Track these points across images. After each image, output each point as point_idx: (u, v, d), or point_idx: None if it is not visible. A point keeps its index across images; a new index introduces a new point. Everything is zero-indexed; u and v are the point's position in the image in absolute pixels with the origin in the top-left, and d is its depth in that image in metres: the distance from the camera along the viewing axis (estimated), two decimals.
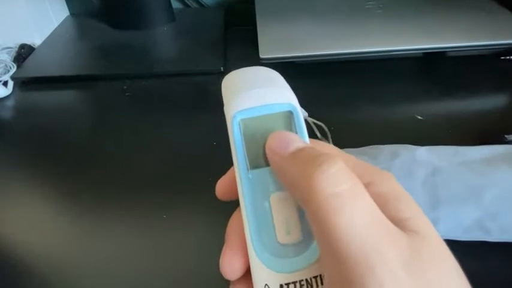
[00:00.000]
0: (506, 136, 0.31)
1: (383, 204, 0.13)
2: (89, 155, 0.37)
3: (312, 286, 0.14)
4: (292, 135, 0.15)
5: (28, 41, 0.53)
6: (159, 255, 0.28)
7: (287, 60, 0.43)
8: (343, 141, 0.34)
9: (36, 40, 0.54)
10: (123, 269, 0.27)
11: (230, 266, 0.15)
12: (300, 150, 0.14)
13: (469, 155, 0.26)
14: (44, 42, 0.54)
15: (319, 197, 0.12)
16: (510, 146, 0.27)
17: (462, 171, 0.25)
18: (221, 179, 0.17)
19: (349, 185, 0.12)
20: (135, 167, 0.35)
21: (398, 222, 0.13)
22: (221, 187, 0.17)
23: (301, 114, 0.16)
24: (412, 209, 0.14)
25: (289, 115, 0.16)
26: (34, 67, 0.50)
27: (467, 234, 0.24)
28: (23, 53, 0.51)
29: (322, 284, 0.14)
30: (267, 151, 0.15)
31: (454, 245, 0.24)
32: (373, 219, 0.12)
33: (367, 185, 0.14)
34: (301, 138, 0.16)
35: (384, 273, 0.11)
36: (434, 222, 0.24)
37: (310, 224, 0.13)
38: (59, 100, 0.46)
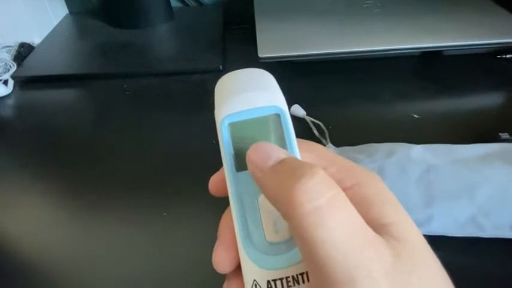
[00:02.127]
0: (500, 134, 0.31)
1: (368, 207, 0.14)
2: (89, 153, 0.37)
3: (298, 282, 0.15)
4: (273, 147, 0.15)
5: (27, 40, 0.53)
6: (159, 252, 0.28)
7: (286, 60, 0.44)
8: (341, 139, 0.34)
9: (35, 39, 0.54)
10: (123, 265, 0.27)
11: (222, 261, 0.16)
12: (280, 163, 0.14)
13: (464, 152, 0.27)
14: (44, 41, 0.54)
15: (299, 212, 0.12)
16: (504, 144, 0.27)
17: (457, 168, 0.25)
18: (213, 176, 0.18)
19: (328, 196, 0.12)
20: (135, 165, 0.36)
21: (381, 227, 0.13)
22: (213, 184, 0.18)
23: (288, 116, 0.17)
24: (396, 213, 0.14)
25: (277, 118, 0.16)
26: (34, 66, 0.50)
27: (461, 230, 0.24)
28: (23, 52, 0.51)
29: (308, 280, 0.15)
30: (248, 164, 0.15)
31: (448, 241, 0.25)
32: (353, 229, 0.12)
33: (353, 187, 0.15)
34: (289, 141, 0.16)
35: (366, 284, 0.11)
36: (429, 219, 0.24)
37: (293, 237, 0.13)
38: (59, 99, 0.46)
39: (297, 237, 0.13)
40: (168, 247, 0.28)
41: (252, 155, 0.15)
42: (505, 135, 0.31)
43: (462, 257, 0.24)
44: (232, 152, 0.16)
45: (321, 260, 0.12)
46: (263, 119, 0.16)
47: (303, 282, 0.15)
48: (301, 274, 0.15)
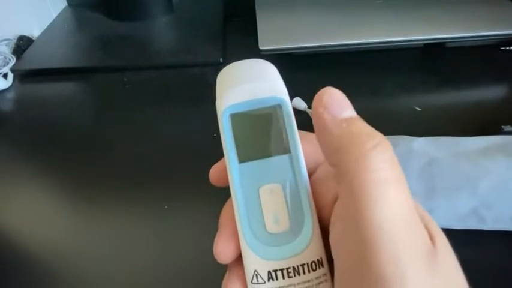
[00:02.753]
0: (503, 127, 0.31)
1: None
2: (89, 146, 0.37)
3: (299, 273, 0.15)
4: (347, 101, 0.14)
5: (26, 33, 0.53)
6: (160, 244, 0.28)
7: (287, 52, 0.43)
8: None
9: (34, 32, 0.54)
10: (125, 258, 0.27)
11: (223, 251, 0.16)
12: (355, 119, 0.14)
13: (466, 145, 0.26)
14: (43, 34, 0.54)
15: (368, 177, 0.12)
16: (507, 137, 0.27)
17: (459, 161, 0.25)
18: (214, 166, 0.18)
19: (395, 172, 0.12)
20: (136, 158, 0.35)
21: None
22: (214, 174, 0.18)
23: (290, 107, 0.16)
24: (421, 208, 0.14)
25: (279, 108, 0.16)
26: (33, 59, 0.49)
27: (462, 223, 0.24)
28: (22, 45, 0.51)
29: (309, 271, 0.15)
30: (317, 104, 0.14)
31: (450, 234, 0.24)
32: (409, 211, 0.12)
33: None
34: (290, 133, 0.16)
35: (408, 265, 0.11)
36: (430, 211, 0.24)
37: (342, 198, 0.13)
38: (59, 92, 0.46)
39: (351, 198, 0.12)
40: (170, 239, 0.28)
41: (326, 97, 0.14)
42: (507, 128, 0.31)
43: (463, 250, 0.24)
44: (234, 143, 0.16)
45: (371, 229, 0.12)
46: (265, 110, 0.16)
47: (304, 273, 0.15)
48: (302, 265, 0.15)
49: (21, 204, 0.33)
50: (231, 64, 0.18)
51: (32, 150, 0.38)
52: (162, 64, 0.47)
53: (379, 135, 0.13)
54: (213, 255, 0.23)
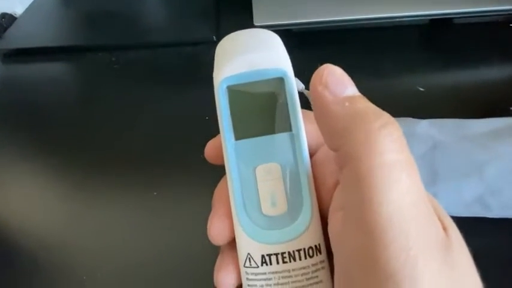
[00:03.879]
0: (511, 108, 0.30)
1: None
2: (76, 129, 0.36)
3: (294, 259, 0.14)
4: (349, 79, 0.13)
5: (9, 10, 0.50)
6: (150, 231, 0.27)
7: (283, 28, 0.41)
8: None
9: (17, 9, 0.51)
10: (114, 245, 0.27)
11: (217, 232, 0.15)
12: (359, 98, 0.13)
13: (473, 128, 0.25)
14: (26, 11, 0.51)
15: (374, 159, 0.11)
16: None
17: (465, 145, 0.23)
18: (210, 141, 0.17)
19: (406, 156, 0.11)
20: (125, 142, 0.34)
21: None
22: (210, 150, 0.17)
23: (293, 80, 0.15)
24: (431, 197, 0.13)
25: (280, 82, 0.15)
26: (17, 38, 0.47)
27: (467, 210, 0.23)
28: (4, 23, 0.48)
29: (306, 257, 0.14)
30: (315, 82, 0.13)
31: (454, 221, 0.23)
32: (420, 200, 0.11)
33: None
34: (292, 109, 0.15)
35: (420, 258, 0.10)
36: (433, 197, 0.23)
37: (345, 183, 0.12)
38: (44, 72, 0.44)
39: (357, 184, 0.11)
40: (159, 226, 0.28)
41: (329, 78, 0.13)
42: None
43: (468, 239, 0.23)
44: (230, 118, 0.15)
45: (378, 220, 0.11)
46: (265, 83, 0.15)
47: (300, 259, 0.14)
48: (298, 251, 0.14)
49: (5, 190, 0.32)
50: (232, 34, 0.17)
51: (16, 134, 0.36)
52: (153, 43, 0.45)
53: (386, 115, 0.12)
54: (203, 241, 0.22)
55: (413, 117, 0.28)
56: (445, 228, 0.11)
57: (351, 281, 0.12)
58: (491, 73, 0.38)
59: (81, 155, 0.33)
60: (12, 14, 0.50)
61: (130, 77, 0.42)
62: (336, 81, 0.13)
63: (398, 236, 0.10)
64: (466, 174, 0.23)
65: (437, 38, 0.43)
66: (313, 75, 0.13)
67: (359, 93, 0.13)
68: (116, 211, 0.29)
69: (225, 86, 0.15)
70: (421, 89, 0.36)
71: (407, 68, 0.39)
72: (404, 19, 0.42)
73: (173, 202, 0.29)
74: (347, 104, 0.12)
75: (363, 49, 0.42)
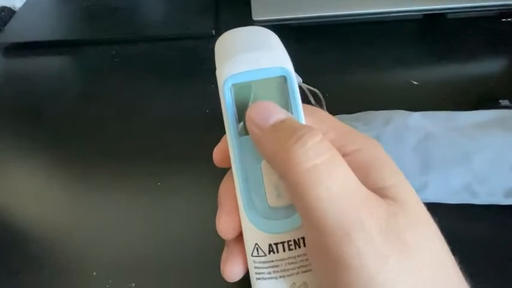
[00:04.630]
0: (500, 101, 0.31)
1: (367, 171, 0.14)
2: (78, 122, 0.36)
3: (299, 246, 0.15)
4: (274, 107, 0.14)
5: (8, 3, 0.50)
6: (153, 221, 0.28)
7: (281, 23, 0.42)
8: (338, 107, 0.33)
9: (16, 2, 0.51)
10: (118, 235, 0.27)
11: (226, 227, 0.16)
12: (281, 123, 0.14)
13: (462, 119, 0.26)
14: (25, 4, 0.51)
15: (297, 170, 0.12)
16: (504, 111, 0.27)
17: (454, 135, 0.25)
18: (217, 146, 0.18)
19: (327, 156, 0.13)
20: (126, 134, 0.35)
21: (380, 190, 0.13)
22: (217, 154, 0.17)
23: (295, 79, 0.16)
24: (395, 176, 0.14)
25: (283, 80, 0.15)
26: (16, 32, 0.47)
27: (455, 197, 0.24)
28: (4, 17, 0.48)
29: None
30: (247, 122, 0.15)
31: (442, 208, 0.25)
32: (350, 188, 0.12)
33: (353, 152, 0.15)
34: (294, 106, 0.16)
35: (360, 239, 0.12)
36: (424, 186, 0.24)
37: (290, 196, 0.14)
38: (44, 66, 0.44)
39: (294, 195, 0.13)
40: (163, 216, 0.28)
41: (252, 113, 0.14)
42: (505, 102, 0.31)
43: (455, 224, 0.25)
44: (236, 114, 0.16)
45: (317, 216, 0.12)
46: (269, 81, 0.15)
47: (304, 245, 0.15)
48: (303, 238, 0.15)
49: (8, 182, 0.32)
50: (230, 31, 0.17)
51: (17, 127, 0.37)
52: (152, 37, 0.45)
53: (303, 128, 0.13)
54: (206, 231, 0.23)
55: (407, 109, 0.29)
56: (389, 198, 0.13)
57: (317, 267, 0.14)
58: (483, 67, 0.39)
59: (83, 147, 0.34)
60: (11, 7, 0.50)
61: (130, 71, 0.42)
62: (260, 114, 0.14)
63: (334, 222, 0.12)
64: (455, 163, 0.24)
65: (431, 33, 0.44)
66: (247, 115, 0.15)
67: (283, 117, 0.14)
68: (119, 202, 0.29)
69: (230, 84, 0.15)
70: (415, 83, 0.37)
71: (401, 62, 0.40)
72: (399, 14, 0.42)
73: (176, 191, 0.30)
74: (271, 131, 0.14)
75: (358, 43, 0.43)
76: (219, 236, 0.17)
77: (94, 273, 0.25)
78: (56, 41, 0.46)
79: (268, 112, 0.14)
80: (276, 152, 0.13)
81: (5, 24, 0.48)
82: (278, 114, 0.14)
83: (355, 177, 0.13)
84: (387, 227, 0.12)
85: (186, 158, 0.32)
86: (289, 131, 0.13)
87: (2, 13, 0.49)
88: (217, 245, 0.17)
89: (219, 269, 0.17)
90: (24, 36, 0.46)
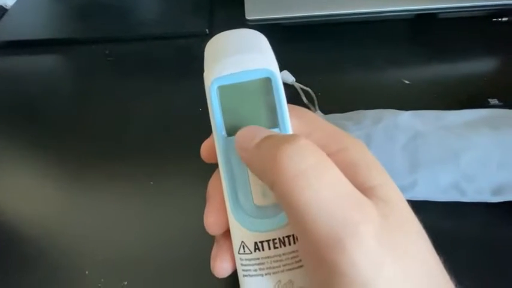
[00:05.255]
0: (489, 100, 0.31)
1: (354, 171, 0.14)
2: (70, 122, 0.36)
3: (284, 244, 0.15)
4: (258, 129, 0.15)
5: None
6: (146, 220, 0.28)
7: (274, 22, 0.42)
8: (330, 106, 0.34)
9: (8, 0, 0.51)
10: (111, 234, 0.28)
11: (213, 224, 0.16)
12: (263, 140, 0.14)
13: (452, 119, 0.26)
14: (17, 3, 0.51)
15: (283, 178, 0.12)
16: (492, 110, 0.27)
17: (443, 134, 0.25)
18: (205, 142, 0.18)
19: (313, 160, 0.12)
20: (119, 133, 0.35)
21: (367, 190, 0.13)
22: (205, 150, 0.18)
23: (280, 80, 0.16)
24: (381, 176, 0.14)
25: (268, 81, 0.16)
26: (8, 30, 0.47)
27: (443, 195, 0.25)
28: None
29: (294, 242, 0.15)
30: (236, 148, 0.15)
31: (431, 205, 0.25)
32: (341, 190, 0.12)
33: (339, 152, 0.15)
34: (279, 106, 0.16)
35: (354, 246, 0.11)
36: (412, 185, 0.24)
37: (281, 205, 0.14)
38: (36, 65, 0.44)
39: (283, 203, 0.13)
40: (155, 215, 0.28)
41: (239, 140, 0.15)
42: (494, 101, 0.31)
43: (445, 221, 0.25)
44: (222, 116, 0.16)
45: (307, 223, 0.12)
46: (254, 83, 0.16)
47: (289, 244, 0.15)
48: (288, 236, 0.15)
49: (2, 181, 0.32)
50: (220, 34, 0.17)
51: (9, 126, 0.37)
52: (146, 35, 0.45)
53: (285, 137, 0.13)
54: (198, 230, 0.23)
55: (398, 108, 0.29)
56: (379, 199, 0.13)
57: (310, 273, 0.13)
58: (473, 66, 0.40)
59: (75, 146, 0.34)
60: (3, 5, 0.50)
61: (124, 70, 0.42)
62: (244, 138, 0.15)
63: (326, 229, 0.11)
64: (444, 161, 0.24)
65: (423, 33, 0.44)
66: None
67: (265, 135, 0.14)
68: (112, 201, 0.30)
69: (216, 86, 0.16)
70: (407, 82, 0.38)
71: (393, 61, 0.40)
72: (391, 14, 0.43)
73: (169, 191, 0.30)
74: (256, 151, 0.14)
75: (351, 43, 0.43)
76: (211, 236, 0.17)
77: (86, 272, 0.25)
78: (48, 40, 0.46)
79: (252, 134, 0.14)
80: (263, 167, 0.13)
81: None
82: (261, 133, 0.14)
83: (346, 179, 0.13)
84: (380, 231, 0.12)
85: (178, 156, 0.32)
86: (272, 144, 0.13)
87: None
88: (210, 244, 0.18)
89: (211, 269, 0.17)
90: (16, 35, 0.46)
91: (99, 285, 0.24)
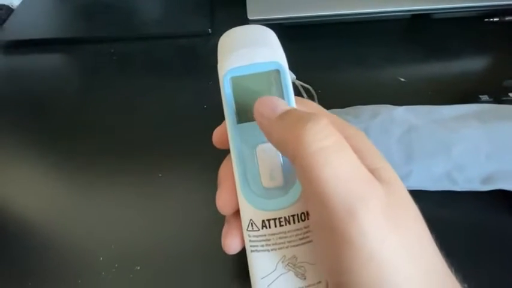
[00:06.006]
0: (480, 96, 0.33)
1: (359, 155, 0.15)
2: (77, 119, 0.37)
3: (289, 222, 0.17)
4: (279, 100, 0.16)
5: (6, 1, 0.51)
6: (155, 212, 0.29)
7: (275, 22, 0.43)
8: (329, 102, 0.35)
9: (14, 0, 0.52)
10: (120, 227, 0.29)
11: (225, 204, 0.18)
12: (287, 112, 0.15)
13: (444, 113, 0.28)
14: (23, 2, 0.52)
15: (306, 152, 0.13)
16: (481, 105, 0.29)
17: (435, 127, 0.26)
18: (217, 129, 0.19)
19: (333, 139, 0.14)
20: (125, 130, 0.36)
21: (372, 172, 0.14)
22: (216, 136, 0.19)
23: (288, 72, 0.17)
24: (381, 161, 0.16)
25: (276, 73, 0.17)
26: (15, 29, 0.48)
27: (436, 184, 0.26)
28: (2, 15, 0.49)
29: (299, 221, 0.17)
30: (256, 115, 0.16)
31: (425, 194, 0.27)
32: (355, 169, 0.13)
33: (345, 138, 0.16)
34: (287, 97, 0.17)
35: (364, 218, 0.13)
36: (408, 175, 0.26)
37: (298, 177, 0.15)
38: (43, 64, 0.45)
39: (303, 176, 0.14)
40: (164, 207, 0.29)
41: (259, 107, 0.16)
42: (484, 97, 0.33)
43: (438, 209, 0.27)
44: (234, 104, 0.17)
45: (325, 196, 0.13)
46: (264, 74, 0.17)
47: (294, 222, 0.17)
48: (293, 216, 0.17)
49: (8, 178, 0.33)
50: (233, 29, 0.19)
51: (16, 124, 0.37)
52: (150, 35, 0.47)
53: (309, 114, 0.14)
54: (205, 220, 0.25)
55: (394, 104, 0.31)
56: (382, 180, 0.14)
57: (319, 242, 0.15)
58: (465, 65, 0.41)
59: (82, 144, 0.35)
60: (9, 5, 0.51)
61: (129, 68, 0.43)
62: (266, 106, 0.15)
63: (341, 202, 0.13)
64: (436, 153, 0.26)
65: (418, 32, 0.46)
66: (254, 109, 0.16)
67: (288, 108, 0.15)
68: (121, 193, 0.31)
69: (229, 77, 0.17)
70: (402, 79, 0.39)
71: (389, 60, 0.41)
72: (388, 14, 0.44)
73: (177, 183, 0.31)
74: (279, 121, 0.15)
75: (349, 42, 0.44)
76: (219, 223, 0.19)
77: (101, 258, 0.26)
78: (54, 39, 0.47)
79: (274, 104, 0.15)
80: (285, 138, 0.14)
81: (4, 22, 0.48)
82: (283, 105, 0.15)
83: (358, 159, 0.14)
84: (386, 206, 0.13)
85: (185, 151, 0.33)
86: (296, 118, 0.14)
87: (0, 11, 0.49)
88: (217, 232, 0.19)
89: (219, 254, 0.18)
90: (22, 34, 0.47)
91: (113, 270, 0.26)
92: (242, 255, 0.18)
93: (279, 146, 0.15)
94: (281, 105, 0.15)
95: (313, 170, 0.13)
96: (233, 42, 0.18)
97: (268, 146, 0.17)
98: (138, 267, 0.26)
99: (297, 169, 0.14)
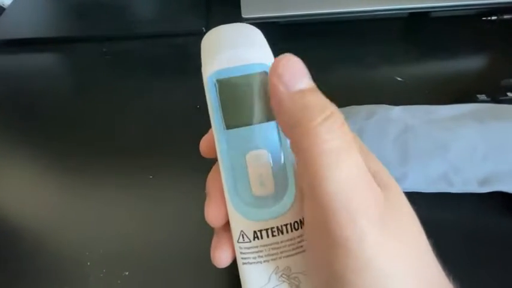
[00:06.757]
0: (478, 96, 0.32)
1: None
2: (69, 119, 0.37)
3: (282, 232, 0.16)
4: (306, 70, 0.14)
5: None
6: (146, 214, 0.29)
7: (270, 21, 0.42)
8: None
9: None
10: (110, 228, 0.28)
11: (214, 216, 0.17)
12: (310, 91, 0.13)
13: (440, 113, 0.27)
14: (14, 2, 0.51)
15: (316, 149, 0.12)
16: (479, 104, 0.28)
17: (432, 128, 0.26)
18: (204, 137, 0.18)
19: (346, 140, 0.13)
20: (118, 130, 0.35)
21: (374, 175, 0.14)
22: (204, 145, 0.18)
23: None
24: (377, 164, 0.15)
25: (265, 76, 0.16)
26: (6, 29, 0.47)
27: (433, 186, 0.26)
28: None
29: (292, 230, 0.16)
30: (271, 74, 0.14)
31: (421, 196, 0.26)
32: (360, 175, 0.13)
33: None
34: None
35: (364, 225, 0.12)
36: (404, 176, 0.25)
37: (299, 170, 0.14)
38: (35, 64, 0.44)
39: (306, 170, 0.13)
40: (155, 209, 0.29)
41: (280, 68, 0.13)
42: (482, 97, 0.32)
43: (434, 211, 0.26)
44: (220, 109, 0.16)
45: (326, 197, 0.12)
46: (252, 77, 0.16)
47: (287, 232, 0.16)
48: (285, 225, 0.16)
49: (1, 177, 0.32)
50: (216, 28, 0.18)
51: (8, 124, 0.37)
52: (143, 34, 0.46)
53: (330, 108, 0.13)
54: (197, 224, 0.24)
55: (391, 104, 0.30)
56: (382, 185, 0.14)
57: (315, 244, 0.14)
58: (463, 64, 0.41)
59: (74, 143, 0.34)
60: (0, 4, 0.50)
61: (121, 68, 0.42)
62: (290, 73, 0.13)
63: (343, 209, 0.12)
64: (433, 154, 0.25)
65: (415, 31, 0.45)
66: (272, 64, 0.14)
67: (311, 86, 0.14)
68: (112, 195, 0.30)
69: (214, 80, 0.16)
70: (399, 79, 0.39)
71: (386, 59, 0.41)
72: (385, 12, 0.44)
73: (168, 185, 0.31)
74: (298, 98, 0.13)
75: (346, 41, 0.44)
76: (210, 228, 0.18)
77: (88, 263, 0.26)
78: (46, 38, 0.46)
79: (300, 73, 0.14)
80: (298, 118, 0.13)
81: None
82: (308, 80, 0.14)
83: (364, 164, 0.13)
84: (384, 212, 0.13)
85: (177, 152, 0.33)
86: (318, 105, 0.13)
87: None
88: (209, 236, 0.18)
89: (211, 261, 0.17)
90: (14, 34, 0.46)
91: (101, 275, 0.25)
92: (235, 261, 0.17)
93: (285, 120, 0.14)
94: (307, 80, 0.14)
95: (320, 169, 0.12)
96: (218, 42, 0.17)
97: (259, 153, 0.16)
98: (127, 273, 0.25)
99: (302, 164, 0.13)
